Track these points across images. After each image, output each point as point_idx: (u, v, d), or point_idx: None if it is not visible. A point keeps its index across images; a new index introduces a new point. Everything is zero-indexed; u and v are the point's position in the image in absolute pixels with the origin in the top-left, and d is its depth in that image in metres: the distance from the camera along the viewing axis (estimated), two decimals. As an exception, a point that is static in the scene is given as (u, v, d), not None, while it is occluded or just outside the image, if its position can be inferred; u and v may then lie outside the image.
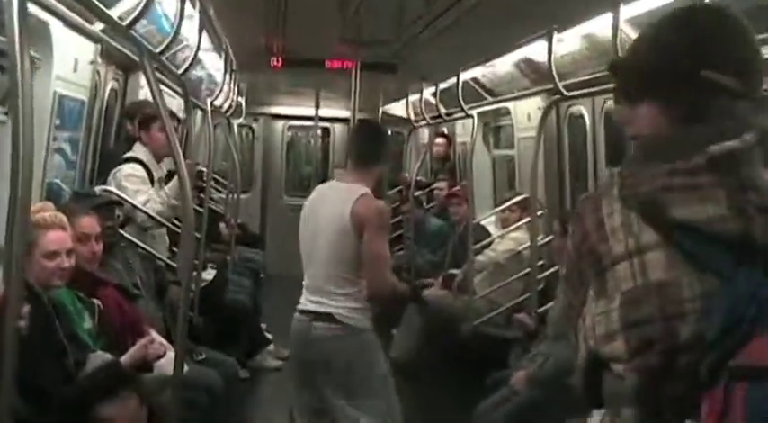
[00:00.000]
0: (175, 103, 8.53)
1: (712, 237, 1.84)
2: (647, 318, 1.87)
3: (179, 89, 7.00)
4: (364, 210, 4.85)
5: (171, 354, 4.25)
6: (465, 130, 10.83)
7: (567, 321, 2.21)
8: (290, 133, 15.31)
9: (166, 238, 6.69)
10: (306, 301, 5.04)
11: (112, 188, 6.04)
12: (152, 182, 6.36)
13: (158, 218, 6.17)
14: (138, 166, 6.30)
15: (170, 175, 6.54)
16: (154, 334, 4.47)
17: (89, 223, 4.78)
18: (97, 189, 6.06)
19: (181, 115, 7.97)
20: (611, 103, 6.86)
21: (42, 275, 4.07)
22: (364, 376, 4.95)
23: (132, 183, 6.15)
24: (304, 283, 5.13)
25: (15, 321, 2.14)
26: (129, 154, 6.46)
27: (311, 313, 4.95)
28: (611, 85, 6.33)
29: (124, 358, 4.17)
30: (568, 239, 2.13)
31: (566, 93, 6.26)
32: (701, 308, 1.83)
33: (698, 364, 1.78)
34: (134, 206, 6.01)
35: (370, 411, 4.91)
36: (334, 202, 4.98)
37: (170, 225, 6.52)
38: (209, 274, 7.73)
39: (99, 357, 4.24)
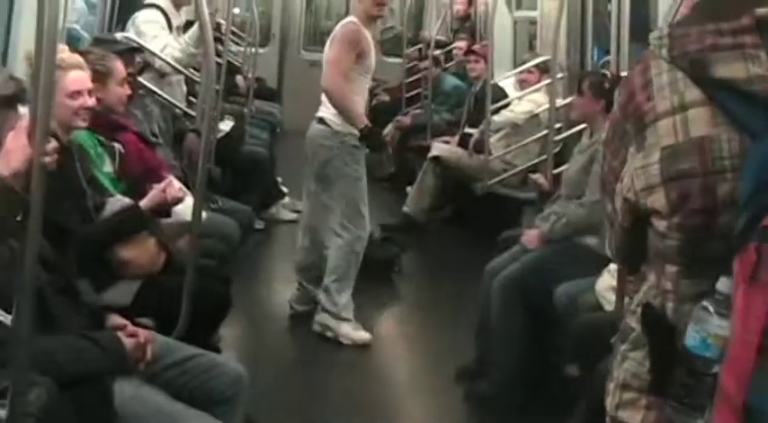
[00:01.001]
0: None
1: (750, 95, 1.86)
2: (687, 172, 1.90)
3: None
4: (336, 29, 6.13)
5: (189, 200, 4.30)
6: (487, -11, 10.68)
7: (602, 185, 2.24)
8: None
9: (183, 85, 6.69)
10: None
11: (131, 34, 6.01)
12: (170, 29, 6.32)
13: (176, 65, 6.15)
14: (158, 12, 6.27)
15: (189, 24, 6.51)
16: (171, 178, 4.51)
17: (118, 66, 4.79)
18: (118, 35, 6.03)
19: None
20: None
21: (66, 116, 4.08)
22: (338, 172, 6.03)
23: (151, 29, 6.12)
24: None
25: (42, 158, 2.19)
26: (148, 0, 6.42)
27: (315, 118, 6.16)
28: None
29: (143, 202, 4.21)
30: (615, 101, 2.15)
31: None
32: (739, 166, 1.85)
33: (736, 224, 1.80)
34: (152, 53, 5.99)
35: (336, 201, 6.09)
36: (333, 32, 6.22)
37: (188, 73, 6.52)
38: (226, 126, 7.75)
39: (118, 201, 4.29)
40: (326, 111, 6.03)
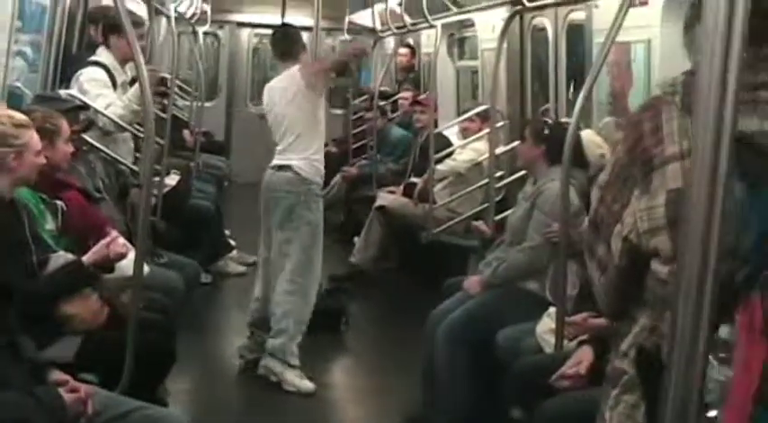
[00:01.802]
0: (140, 9, 8.49)
1: (760, 149, 1.92)
2: None
3: (142, -6, 7.00)
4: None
5: (132, 255, 4.31)
6: (430, 40, 10.84)
7: (596, 227, 2.25)
8: (255, 40, 15.21)
9: (130, 142, 6.71)
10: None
11: (74, 92, 6.04)
12: (114, 86, 6.36)
13: (120, 122, 6.18)
14: (101, 70, 6.29)
15: (134, 81, 6.55)
16: (115, 234, 4.52)
17: (64, 125, 4.82)
18: (62, 92, 6.05)
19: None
20: (573, 16, 6.91)
21: (31, 174, 4.15)
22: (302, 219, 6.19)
23: (94, 87, 6.13)
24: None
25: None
26: (92, 58, 6.45)
27: (272, 167, 6.32)
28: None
29: (86, 257, 4.20)
30: (617, 146, 2.18)
31: (528, 3, 6.32)
32: (743, 216, 1.89)
33: (738, 272, 1.84)
34: (96, 110, 6.02)
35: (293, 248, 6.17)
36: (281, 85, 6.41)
37: (132, 130, 6.55)
38: (172, 180, 7.76)
39: (61, 257, 4.28)
40: (292, 158, 6.21)
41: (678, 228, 1.97)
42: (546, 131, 5.58)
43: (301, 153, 6.22)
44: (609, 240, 2.16)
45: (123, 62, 6.54)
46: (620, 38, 4.33)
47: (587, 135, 5.39)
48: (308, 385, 6.10)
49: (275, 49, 6.75)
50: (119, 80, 6.45)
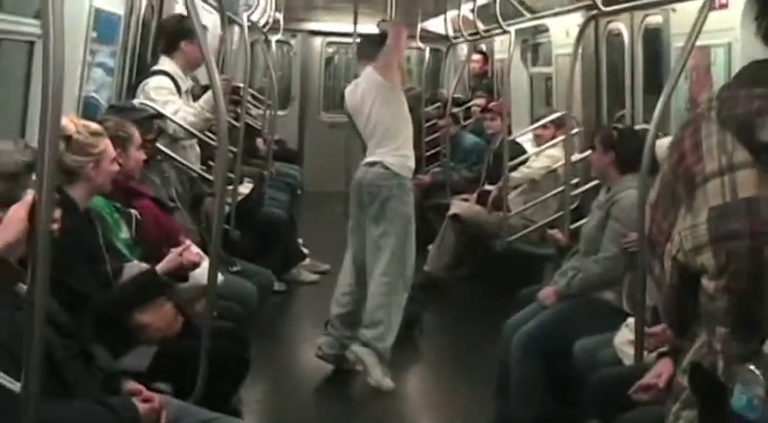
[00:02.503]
0: (212, 19, 8.55)
1: None
2: (735, 233, 1.90)
3: (216, 4, 7.03)
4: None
5: (206, 264, 4.30)
6: (503, 46, 10.75)
7: (651, 247, 2.24)
8: (328, 49, 15.27)
9: (197, 149, 6.73)
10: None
11: (143, 101, 6.07)
12: (179, 93, 6.38)
13: (191, 129, 6.20)
14: (165, 78, 6.31)
15: (205, 89, 6.58)
16: (189, 243, 4.53)
17: (136, 133, 4.86)
18: (135, 102, 6.09)
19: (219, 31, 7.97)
20: (650, 20, 6.80)
21: (107, 183, 4.21)
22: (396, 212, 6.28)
23: (160, 94, 6.15)
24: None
25: (47, 225, 2.21)
26: (155, 67, 6.49)
27: (364, 164, 6.42)
28: (649, 0, 6.33)
29: (160, 266, 4.22)
30: (664, 164, 2.16)
31: (603, 8, 6.23)
32: None
33: None
34: (168, 118, 6.04)
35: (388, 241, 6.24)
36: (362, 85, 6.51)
37: (204, 137, 6.57)
38: (245, 188, 7.80)
39: (135, 267, 4.31)
40: (382, 153, 6.30)
41: (721, 245, 1.93)
42: (615, 139, 5.50)
43: (389, 148, 6.31)
44: (662, 259, 2.12)
45: (187, 70, 6.57)
46: (700, 42, 4.22)
47: (665, 142, 5.28)
48: (389, 383, 6.13)
49: (359, 52, 6.98)
50: (183, 87, 6.47)
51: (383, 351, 6.17)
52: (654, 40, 6.80)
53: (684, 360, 2.24)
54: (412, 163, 6.46)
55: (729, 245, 1.91)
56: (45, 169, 2.14)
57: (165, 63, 6.47)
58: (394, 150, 6.31)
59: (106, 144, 4.18)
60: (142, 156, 4.88)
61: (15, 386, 2.32)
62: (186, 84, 6.55)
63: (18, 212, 2.29)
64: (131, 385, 3.51)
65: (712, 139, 1.99)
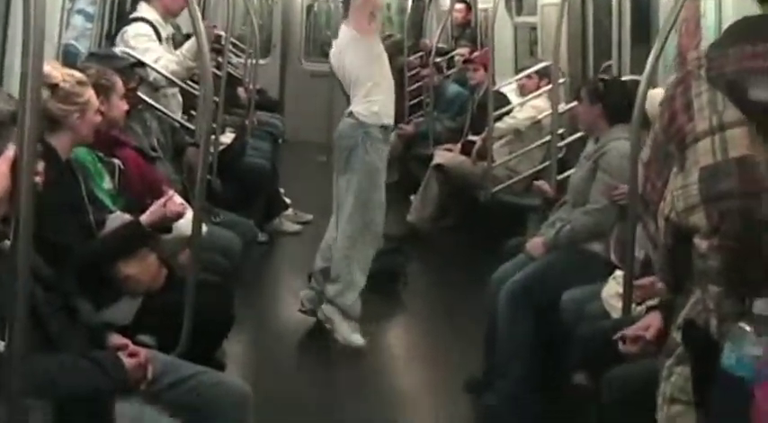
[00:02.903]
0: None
1: None
2: (727, 192, 1.88)
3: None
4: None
5: (190, 214, 4.23)
6: (487, -5, 10.67)
7: (645, 205, 2.22)
8: (309, -2, 15.13)
9: (179, 97, 6.65)
10: None
11: (122, 48, 5.97)
12: (159, 40, 6.28)
13: (172, 77, 6.11)
14: (146, 25, 6.21)
15: (187, 37, 6.48)
16: (172, 193, 4.46)
17: (118, 81, 4.76)
18: (117, 50, 5.99)
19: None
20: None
21: (91, 133, 4.12)
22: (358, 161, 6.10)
23: (141, 41, 6.06)
24: None
25: (31, 178, 2.14)
26: (134, 14, 6.38)
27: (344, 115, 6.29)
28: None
29: (143, 217, 4.15)
30: (655, 123, 2.12)
31: (591, -45, 6.15)
32: None
33: None
34: (150, 67, 5.95)
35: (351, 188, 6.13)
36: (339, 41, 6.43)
37: (186, 86, 6.48)
38: (227, 138, 7.72)
39: (119, 218, 4.24)
40: (354, 105, 6.16)
41: (713, 205, 1.90)
42: (602, 90, 5.44)
43: (361, 98, 6.14)
44: (656, 217, 2.10)
45: (166, 17, 6.45)
46: (691, -8, 4.16)
47: (655, 94, 5.22)
48: (358, 339, 6.11)
49: (344, 11, 6.99)
50: (163, 34, 6.37)
51: (345, 307, 6.13)
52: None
53: (679, 317, 2.24)
54: (383, 108, 6.19)
55: (721, 205, 1.89)
56: (27, 120, 2.07)
57: (144, 10, 6.36)
58: (362, 98, 6.15)
59: (91, 94, 4.09)
60: (125, 105, 4.78)
61: None
62: (166, 30, 6.45)
63: (0, 167, 2.21)
64: (117, 339, 3.47)
65: (702, 97, 1.98)
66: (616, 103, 5.29)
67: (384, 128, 6.20)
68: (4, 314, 2.26)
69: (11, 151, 2.17)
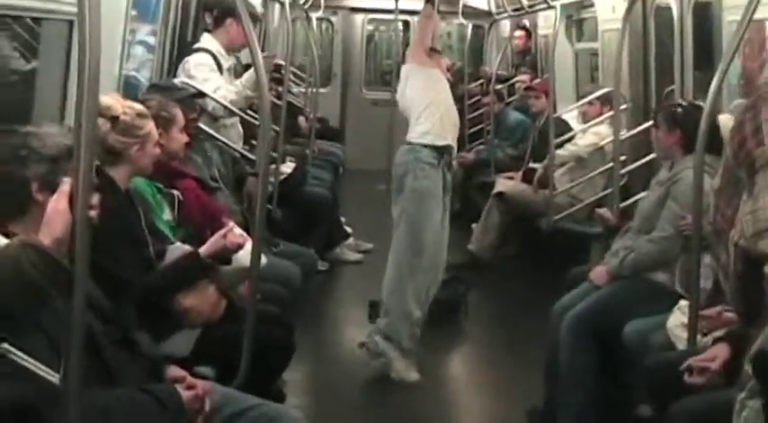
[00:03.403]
0: (255, -3, 8.49)
1: None
2: None
3: (257, -19, 6.98)
4: None
5: (249, 246, 4.24)
6: (547, 22, 10.65)
7: (716, 234, 2.17)
8: (369, 26, 15.20)
9: (239, 127, 6.68)
10: None
11: (182, 79, 6.01)
12: (221, 71, 6.32)
13: (231, 107, 6.14)
14: (207, 56, 6.26)
15: (247, 67, 6.51)
16: (232, 225, 4.47)
17: (179, 113, 4.79)
18: (177, 81, 6.03)
19: (260, 9, 7.91)
20: (699, -7, 6.65)
21: (150, 165, 4.15)
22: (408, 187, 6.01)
23: (200, 71, 6.11)
24: None
25: (85, 211, 2.14)
26: (197, 45, 6.44)
27: None
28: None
29: (203, 249, 4.16)
30: (726, 148, 2.08)
31: (652, -19, 6.09)
32: None
33: None
34: (209, 97, 5.98)
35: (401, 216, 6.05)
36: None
37: (246, 116, 6.52)
38: (288, 167, 7.73)
39: (178, 249, 4.25)
40: (409, 132, 6.12)
41: None
42: (680, 116, 5.33)
43: (414, 123, 6.10)
44: (727, 246, 2.04)
45: (229, 48, 6.50)
46: (755, 15, 4.08)
47: (724, 120, 5.12)
48: (413, 376, 5.97)
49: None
50: (224, 65, 6.42)
51: (399, 341, 5.99)
52: (704, 14, 6.65)
53: (752, 348, 2.17)
54: (436, 129, 6.04)
55: None
56: (82, 152, 2.07)
57: (207, 41, 6.42)
58: (414, 123, 6.08)
59: (151, 126, 4.12)
60: (185, 137, 4.80)
61: (54, 378, 2.26)
62: (228, 62, 6.49)
63: (59, 204, 2.22)
64: (175, 371, 3.45)
65: None
66: (694, 129, 5.17)
67: (438, 150, 6.04)
68: (60, 347, 2.26)
69: (66, 185, 2.18)
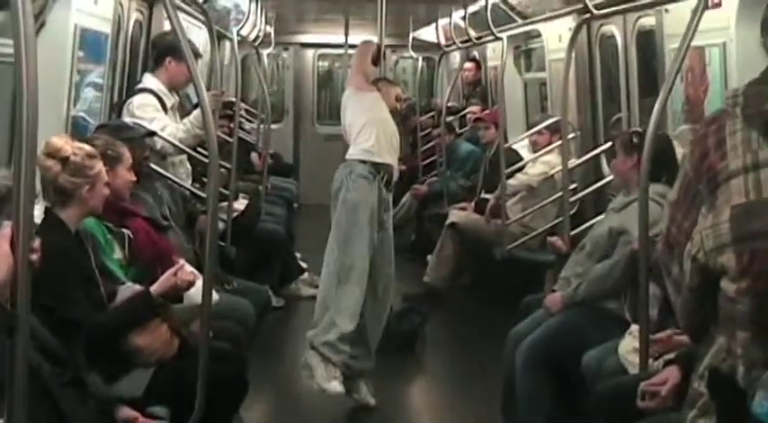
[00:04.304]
0: (203, 34, 8.49)
1: None
2: (758, 232, 1.85)
3: (204, 19, 6.98)
4: None
5: (200, 283, 4.23)
6: (495, 53, 10.71)
7: (668, 247, 2.18)
8: (321, 62, 15.25)
9: (187, 164, 6.68)
10: None
11: (127, 120, 6.01)
12: (165, 110, 6.33)
13: (180, 145, 6.15)
14: (149, 96, 6.27)
15: (196, 106, 6.52)
16: (182, 262, 4.46)
17: (126, 152, 4.78)
18: (127, 120, 6.02)
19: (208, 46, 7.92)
20: (642, 22, 6.74)
21: (100, 205, 4.17)
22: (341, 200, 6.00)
23: (145, 111, 6.12)
24: None
25: (26, 254, 2.13)
26: (138, 86, 6.47)
27: None
28: (642, 2, 6.27)
29: (154, 287, 4.16)
30: (685, 161, 2.10)
31: (595, 11, 6.16)
32: None
33: None
34: (160, 136, 5.98)
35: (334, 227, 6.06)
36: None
37: (196, 154, 6.51)
38: (240, 204, 7.72)
39: (129, 289, 4.25)
40: (349, 151, 6.16)
41: (744, 245, 1.86)
42: (637, 143, 5.37)
43: (353, 145, 6.12)
44: (681, 260, 2.07)
45: (171, 87, 6.51)
46: (694, 42, 4.14)
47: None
48: (336, 388, 5.79)
49: None
50: (168, 104, 6.43)
51: (323, 352, 5.80)
52: (647, 42, 6.73)
53: (701, 365, 2.19)
54: (374, 147, 6.02)
55: (753, 244, 1.86)
56: (22, 194, 2.06)
57: (149, 80, 6.45)
58: (353, 143, 6.12)
59: (101, 166, 4.13)
60: (131, 176, 4.79)
61: (-1, 422, 2.24)
62: (171, 100, 6.50)
63: (1, 248, 2.19)
64: (126, 412, 3.45)
65: (737, 136, 1.95)
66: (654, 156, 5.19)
67: (374, 166, 6.03)
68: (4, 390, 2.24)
69: (7, 229, 2.16)
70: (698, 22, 3.86)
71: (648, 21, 6.56)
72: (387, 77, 6.49)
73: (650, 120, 4.07)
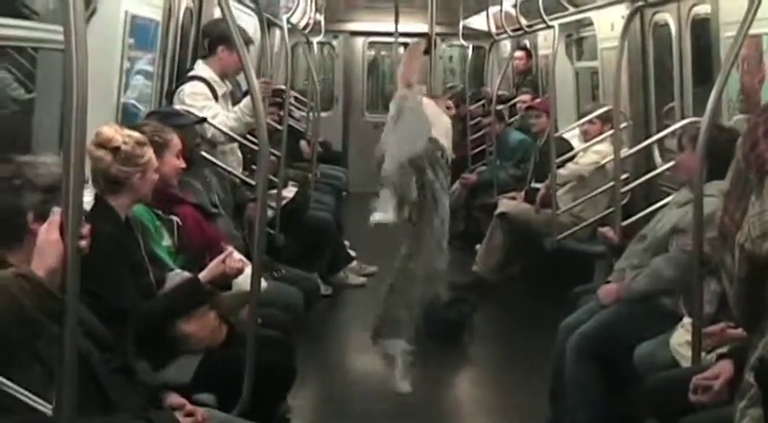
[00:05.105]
0: (253, 22, 8.50)
1: None
2: None
3: (254, 6, 6.99)
4: None
5: (249, 270, 4.23)
6: (547, 42, 10.65)
7: (722, 237, 2.16)
8: (370, 51, 15.23)
9: (238, 153, 6.69)
10: None
11: (178, 107, 6.01)
12: (216, 98, 6.33)
13: (230, 133, 6.15)
14: (200, 84, 6.26)
15: (246, 94, 6.52)
16: (231, 249, 4.45)
17: (174, 139, 4.78)
18: (177, 108, 6.03)
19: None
20: (697, 10, 6.65)
21: (150, 192, 4.15)
22: None
23: (196, 100, 6.11)
24: None
25: (76, 241, 2.13)
26: (191, 73, 6.47)
27: None
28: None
29: (203, 274, 4.16)
30: (737, 150, 2.07)
31: (649, -1, 6.09)
32: None
33: None
34: (209, 123, 5.98)
35: None
36: None
37: (245, 141, 6.51)
38: (289, 192, 7.73)
39: (178, 275, 4.25)
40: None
41: None
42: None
43: None
44: (733, 250, 2.03)
45: (223, 75, 6.50)
46: (752, 30, 4.07)
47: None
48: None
49: None
50: (219, 92, 6.42)
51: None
52: (702, 31, 6.64)
53: (753, 356, 2.16)
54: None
55: None
56: (71, 182, 2.06)
57: (201, 68, 6.44)
58: None
59: (151, 153, 4.12)
60: (180, 163, 4.77)
61: (47, 408, 2.24)
62: (222, 88, 6.49)
63: (50, 235, 2.21)
64: (174, 399, 3.45)
65: None
66: (719, 151, 5.02)
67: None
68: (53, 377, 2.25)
69: (57, 215, 2.17)
70: (756, 8, 3.80)
71: (703, 8, 6.47)
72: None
73: (706, 109, 4.01)
